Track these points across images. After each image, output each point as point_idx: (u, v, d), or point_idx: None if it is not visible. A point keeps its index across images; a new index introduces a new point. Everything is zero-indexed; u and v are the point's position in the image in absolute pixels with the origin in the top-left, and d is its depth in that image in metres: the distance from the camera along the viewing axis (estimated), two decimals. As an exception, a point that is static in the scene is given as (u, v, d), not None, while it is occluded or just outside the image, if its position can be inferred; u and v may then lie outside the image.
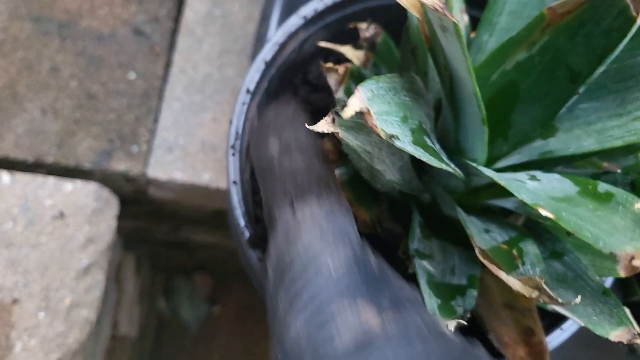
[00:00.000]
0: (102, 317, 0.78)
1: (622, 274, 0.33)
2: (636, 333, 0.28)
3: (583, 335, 0.45)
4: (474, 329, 0.33)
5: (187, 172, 0.61)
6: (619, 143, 0.27)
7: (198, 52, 0.65)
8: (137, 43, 0.64)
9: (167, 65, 0.65)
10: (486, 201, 0.33)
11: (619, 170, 0.32)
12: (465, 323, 0.27)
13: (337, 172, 0.34)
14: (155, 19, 0.65)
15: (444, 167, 0.25)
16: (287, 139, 0.29)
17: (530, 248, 0.29)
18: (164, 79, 0.64)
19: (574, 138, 0.30)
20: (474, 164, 0.29)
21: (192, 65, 0.64)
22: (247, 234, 0.35)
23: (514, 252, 0.29)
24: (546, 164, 0.32)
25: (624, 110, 0.29)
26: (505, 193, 0.34)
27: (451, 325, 0.26)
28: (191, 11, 0.65)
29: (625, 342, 0.27)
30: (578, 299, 0.24)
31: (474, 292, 0.30)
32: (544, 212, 0.22)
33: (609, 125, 0.29)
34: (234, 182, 0.36)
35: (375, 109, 0.22)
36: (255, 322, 1.05)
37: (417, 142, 0.24)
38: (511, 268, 0.27)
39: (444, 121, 0.32)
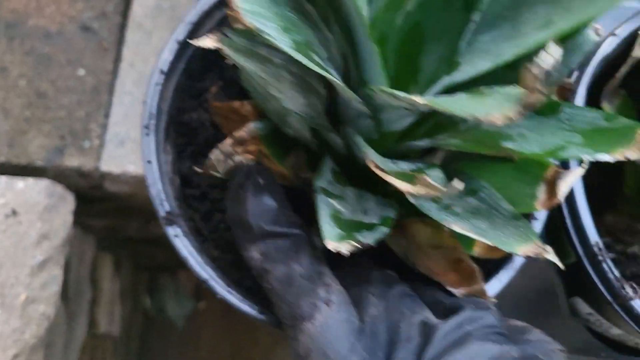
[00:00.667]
0: (76, 315, 0.78)
1: (540, 207, 0.34)
2: (541, 247, 0.28)
3: (526, 304, 0.45)
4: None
5: (140, 165, 0.61)
6: (510, 57, 0.28)
7: (147, 46, 0.65)
8: (85, 39, 0.65)
9: (117, 60, 0.65)
10: (399, 144, 0.33)
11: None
12: (361, 247, 0.27)
13: (252, 126, 0.34)
14: (102, 15, 0.66)
15: (329, 76, 0.25)
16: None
17: (436, 173, 0.29)
18: (113, 74, 0.64)
19: (474, 67, 0.30)
20: (379, 88, 0.29)
21: (142, 58, 0.65)
22: (162, 212, 0.35)
23: (417, 175, 0.29)
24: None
25: (517, 32, 0.29)
26: (417, 134, 0.35)
27: (345, 247, 0.26)
28: (139, 5, 0.66)
29: (532, 255, 0.27)
30: (460, 185, 0.24)
31: (384, 229, 0.30)
32: (420, 101, 0.22)
33: (503, 48, 0.29)
34: (149, 162, 0.36)
35: (246, 7, 0.22)
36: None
37: (300, 51, 0.24)
38: (408, 182, 0.27)
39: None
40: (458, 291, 0.32)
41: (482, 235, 0.29)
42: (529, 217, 0.38)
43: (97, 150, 0.62)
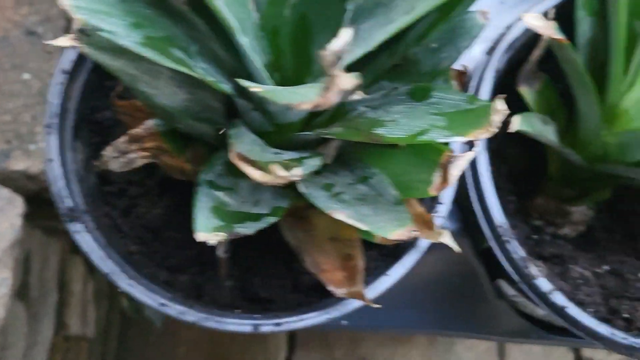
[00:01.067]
0: (40, 317, 0.79)
1: (433, 192, 0.34)
2: (413, 231, 0.28)
3: (452, 290, 0.46)
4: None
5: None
6: (376, 43, 0.28)
7: (92, 48, 0.65)
8: (30, 43, 0.65)
9: (62, 62, 0.65)
10: (295, 135, 0.34)
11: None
12: (227, 236, 0.27)
13: (151, 122, 0.34)
14: (47, 19, 0.66)
15: (188, 71, 0.25)
16: None
17: (312, 162, 0.30)
18: (59, 77, 0.65)
19: (353, 55, 0.31)
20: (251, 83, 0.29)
21: (87, 60, 0.65)
22: (62, 209, 0.35)
23: (292, 164, 0.29)
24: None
25: (389, 19, 0.30)
26: (315, 125, 0.35)
27: (215, 238, 0.26)
28: (81, 8, 0.66)
29: (404, 238, 0.28)
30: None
31: (270, 219, 0.31)
32: (255, 89, 0.22)
33: (376, 35, 0.30)
34: (50, 160, 0.36)
35: (77, 3, 0.22)
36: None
37: (151, 46, 0.24)
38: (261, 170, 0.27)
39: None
40: (339, 291, 0.32)
41: (361, 221, 0.29)
42: (434, 201, 0.38)
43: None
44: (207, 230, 0.27)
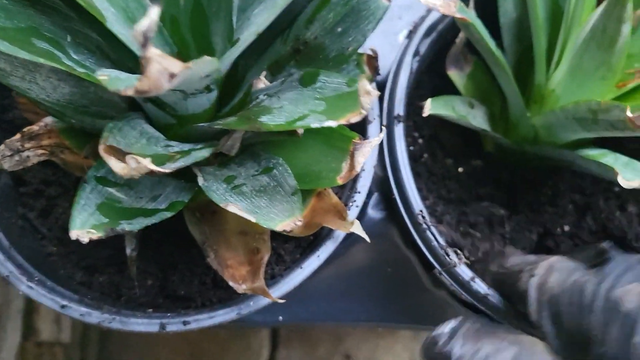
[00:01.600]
0: (3, 324, 0.78)
1: (341, 181, 0.33)
2: (299, 220, 0.27)
3: (385, 279, 0.45)
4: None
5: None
6: (263, 26, 0.27)
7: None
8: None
9: None
10: (190, 128, 0.32)
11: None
12: (103, 236, 0.26)
13: (49, 119, 0.33)
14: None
15: (38, 59, 0.24)
16: None
17: (201, 153, 0.29)
18: None
19: (245, 41, 0.30)
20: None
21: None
22: None
23: (178, 156, 0.28)
24: (235, 75, 0.31)
25: (274, 3, 0.29)
26: (213, 119, 0.34)
27: (85, 235, 0.25)
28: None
29: (289, 229, 0.27)
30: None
31: (165, 214, 0.30)
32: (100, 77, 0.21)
33: (263, 18, 0.29)
34: None
35: None
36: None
37: (3, 38, 0.23)
38: (158, 164, 0.26)
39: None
40: (241, 287, 0.31)
41: (252, 214, 0.28)
42: (352, 190, 0.37)
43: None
44: (82, 227, 0.26)
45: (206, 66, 0.22)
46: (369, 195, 0.42)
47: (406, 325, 0.48)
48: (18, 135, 0.33)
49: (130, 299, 0.38)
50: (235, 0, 0.30)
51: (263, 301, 0.34)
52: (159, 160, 0.27)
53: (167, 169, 0.26)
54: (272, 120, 0.27)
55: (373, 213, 0.42)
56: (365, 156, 0.33)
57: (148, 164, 0.24)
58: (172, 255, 0.39)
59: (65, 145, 0.34)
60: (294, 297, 0.45)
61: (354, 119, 0.24)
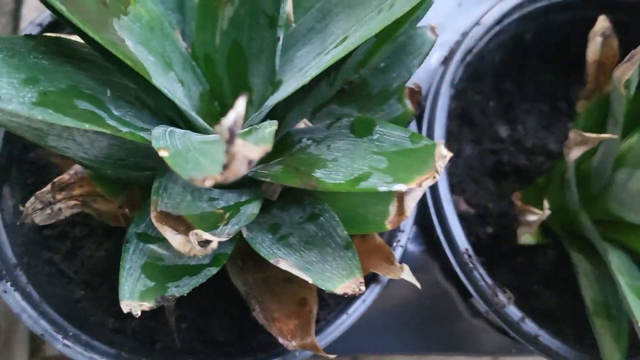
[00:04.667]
0: (11, 345, 0.77)
1: (389, 226, 0.32)
2: (360, 282, 0.26)
3: (423, 310, 0.44)
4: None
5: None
6: (310, 77, 0.25)
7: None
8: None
9: None
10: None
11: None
12: (156, 303, 0.25)
13: (79, 167, 0.32)
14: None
15: (83, 126, 0.22)
16: None
17: (250, 209, 0.27)
18: None
19: (290, 85, 0.28)
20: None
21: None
22: None
23: (227, 214, 0.27)
24: (274, 116, 0.30)
25: (323, 48, 0.27)
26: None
27: (142, 306, 0.24)
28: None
29: (350, 292, 0.25)
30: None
31: (210, 271, 0.28)
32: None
33: (311, 65, 0.27)
34: None
35: None
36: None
37: (46, 104, 0.22)
38: (210, 228, 0.25)
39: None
40: (291, 344, 0.30)
41: (307, 273, 0.27)
42: (396, 229, 0.36)
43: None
44: (133, 297, 0.25)
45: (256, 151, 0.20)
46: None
47: (445, 353, 0.47)
48: (49, 187, 0.31)
49: (166, 346, 0.36)
50: (280, 41, 0.28)
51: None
52: (206, 222, 0.26)
53: (224, 236, 0.24)
54: (330, 177, 0.25)
55: (412, 247, 0.40)
56: (417, 200, 0.31)
57: (208, 237, 0.22)
58: (209, 298, 0.37)
59: (98, 193, 0.32)
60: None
61: (426, 182, 0.22)
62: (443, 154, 0.22)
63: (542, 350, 0.34)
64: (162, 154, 0.20)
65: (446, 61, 0.39)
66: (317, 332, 0.33)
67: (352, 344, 0.43)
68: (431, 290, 0.42)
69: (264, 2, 0.27)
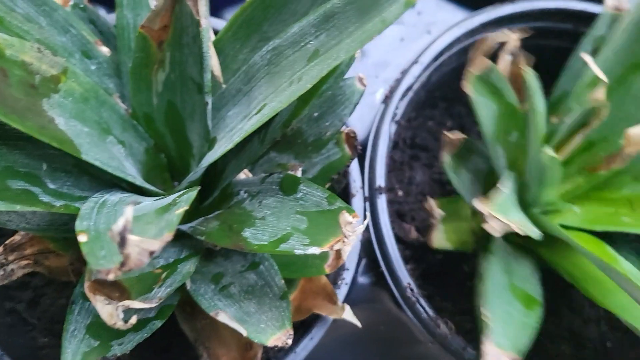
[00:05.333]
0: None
1: (328, 270, 0.33)
2: (290, 334, 0.27)
3: (380, 338, 0.45)
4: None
5: None
6: (238, 140, 0.27)
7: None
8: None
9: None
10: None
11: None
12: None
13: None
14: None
15: (16, 208, 0.24)
16: None
17: (188, 267, 0.29)
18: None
19: (225, 143, 0.30)
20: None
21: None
22: None
23: (164, 274, 0.28)
24: (214, 169, 0.32)
25: (248, 112, 0.28)
26: (195, 211, 0.34)
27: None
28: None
29: (280, 344, 0.27)
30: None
31: (155, 324, 0.30)
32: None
33: (240, 124, 0.28)
34: None
35: None
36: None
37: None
38: (145, 291, 0.26)
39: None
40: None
41: (244, 325, 0.28)
42: (341, 268, 0.37)
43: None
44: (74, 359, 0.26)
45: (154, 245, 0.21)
46: (357, 262, 0.42)
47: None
48: (0, 249, 0.32)
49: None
50: (209, 105, 0.29)
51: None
52: (144, 284, 0.27)
53: (154, 301, 0.25)
54: (256, 238, 0.27)
55: (363, 279, 0.42)
56: (351, 245, 0.33)
57: (138, 306, 0.24)
58: (165, 339, 0.39)
59: (49, 249, 0.34)
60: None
61: (337, 246, 0.24)
62: (347, 221, 0.23)
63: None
64: (81, 239, 0.21)
65: (386, 99, 0.40)
66: (267, 371, 0.35)
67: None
68: (384, 318, 0.43)
69: (191, 69, 0.29)
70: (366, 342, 0.45)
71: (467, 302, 0.43)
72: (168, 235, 0.19)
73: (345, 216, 0.24)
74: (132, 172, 0.31)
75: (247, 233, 0.28)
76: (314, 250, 0.24)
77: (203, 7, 0.25)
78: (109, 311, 0.24)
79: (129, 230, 0.17)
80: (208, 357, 0.33)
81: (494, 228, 0.30)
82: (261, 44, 0.29)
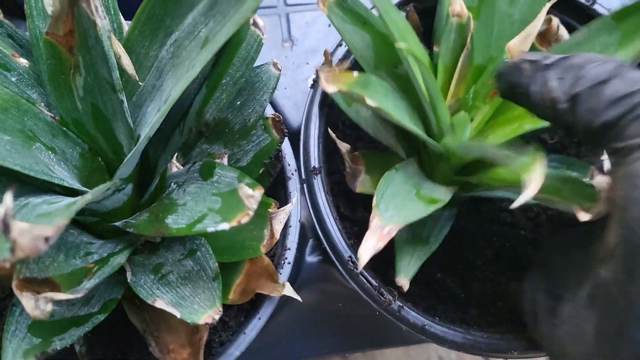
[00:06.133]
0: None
1: (264, 249, 0.35)
2: (219, 310, 0.28)
3: (346, 310, 0.46)
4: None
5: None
6: (155, 126, 0.28)
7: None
8: None
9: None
10: (112, 224, 0.34)
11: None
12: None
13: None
14: None
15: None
16: None
17: (118, 259, 0.30)
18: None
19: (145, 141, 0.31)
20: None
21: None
22: None
23: (95, 267, 0.29)
24: (147, 164, 0.33)
25: (160, 104, 0.30)
26: (136, 208, 0.35)
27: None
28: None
29: (210, 321, 0.28)
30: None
31: (98, 318, 0.31)
32: None
33: (155, 118, 0.30)
34: None
35: None
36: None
37: None
38: (75, 285, 0.27)
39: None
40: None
41: (178, 308, 0.29)
42: (283, 249, 0.39)
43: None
44: (16, 357, 0.27)
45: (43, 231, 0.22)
46: (305, 243, 0.44)
47: (373, 348, 0.49)
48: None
49: (90, 388, 0.39)
50: (124, 103, 0.31)
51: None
52: (75, 279, 0.28)
53: (81, 291, 0.27)
54: (176, 222, 0.28)
55: (311, 258, 0.43)
56: (282, 223, 0.34)
57: (63, 297, 0.25)
58: (126, 336, 0.40)
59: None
60: (258, 345, 0.46)
61: (244, 219, 0.25)
62: (248, 194, 0.25)
63: (430, 336, 0.37)
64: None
65: (315, 84, 0.41)
66: (219, 354, 0.36)
67: (276, 354, 0.46)
68: (339, 293, 0.44)
69: (102, 70, 0.30)
70: (327, 318, 0.46)
71: (420, 273, 0.44)
72: (62, 221, 0.20)
73: (245, 189, 0.25)
74: (62, 176, 0.32)
75: (169, 220, 0.29)
76: (224, 226, 0.25)
77: (96, 7, 0.26)
78: (32, 304, 0.25)
79: (10, 216, 0.18)
80: (156, 345, 0.34)
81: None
82: (166, 39, 0.30)
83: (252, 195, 0.25)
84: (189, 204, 0.29)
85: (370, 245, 0.30)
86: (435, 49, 0.38)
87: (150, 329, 0.35)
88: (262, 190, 0.25)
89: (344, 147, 0.39)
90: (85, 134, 0.35)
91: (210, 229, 0.26)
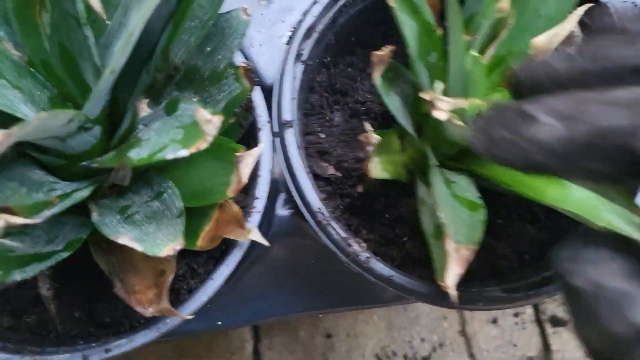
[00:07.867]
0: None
1: (231, 194, 0.35)
2: (181, 243, 0.29)
3: (318, 267, 0.47)
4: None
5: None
6: (121, 63, 0.28)
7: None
8: None
9: None
10: (80, 165, 0.33)
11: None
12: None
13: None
14: None
15: None
16: None
17: (81, 194, 0.30)
18: None
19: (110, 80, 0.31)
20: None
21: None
22: None
23: (57, 200, 0.29)
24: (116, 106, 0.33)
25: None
26: (104, 152, 0.35)
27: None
28: None
29: (171, 253, 0.28)
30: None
31: (61, 255, 0.31)
32: None
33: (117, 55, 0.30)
34: None
35: None
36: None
37: None
38: (31, 215, 0.27)
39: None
40: (148, 311, 0.33)
41: (140, 242, 0.30)
42: (252, 198, 0.39)
43: None
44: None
45: (49, 121, 0.23)
46: (276, 196, 0.44)
47: (347, 308, 0.50)
48: None
49: (60, 335, 0.39)
50: (90, 38, 0.31)
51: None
52: (35, 209, 0.28)
53: (40, 218, 0.27)
54: (138, 154, 0.28)
55: (282, 212, 0.43)
56: (250, 167, 0.34)
57: (20, 221, 0.25)
58: (96, 284, 0.40)
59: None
60: (231, 300, 0.47)
61: (203, 146, 0.25)
62: (206, 119, 0.25)
63: (397, 287, 0.38)
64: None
65: (290, 40, 0.42)
66: (187, 299, 0.37)
67: (252, 310, 0.46)
68: (310, 248, 0.45)
69: (66, 4, 0.30)
70: (300, 274, 0.46)
71: (391, 231, 0.44)
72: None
73: (202, 112, 0.25)
74: (27, 114, 0.32)
75: (132, 153, 0.29)
76: (183, 152, 0.26)
77: None
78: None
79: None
80: (122, 286, 0.34)
81: (441, 109, 0.31)
82: (134, -26, 0.30)
83: (209, 119, 0.25)
84: (153, 138, 0.29)
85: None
86: (466, 38, 0.38)
87: (117, 271, 0.35)
88: (222, 117, 0.25)
89: (375, 139, 0.39)
90: (54, 78, 0.35)
91: (170, 156, 0.26)
